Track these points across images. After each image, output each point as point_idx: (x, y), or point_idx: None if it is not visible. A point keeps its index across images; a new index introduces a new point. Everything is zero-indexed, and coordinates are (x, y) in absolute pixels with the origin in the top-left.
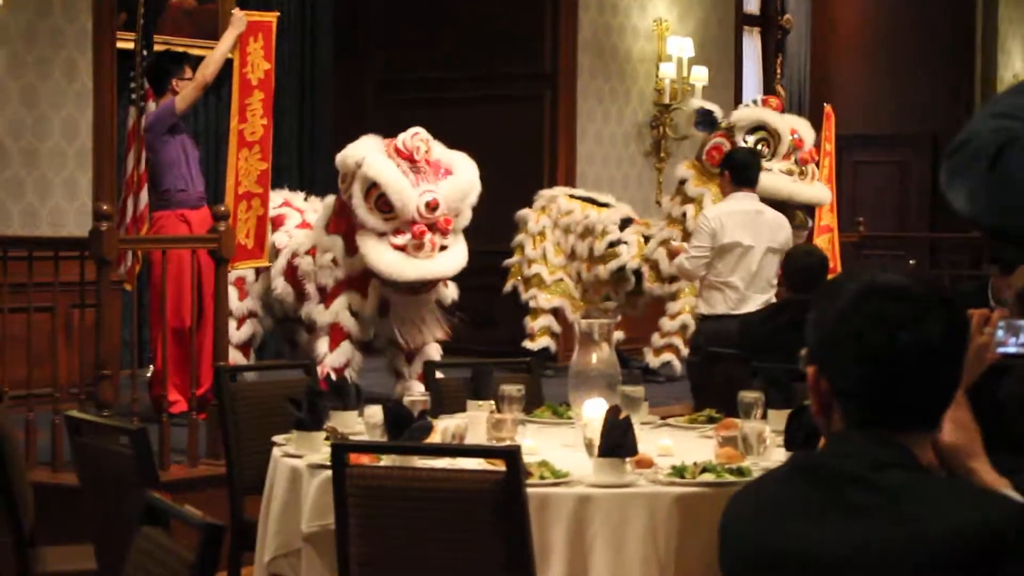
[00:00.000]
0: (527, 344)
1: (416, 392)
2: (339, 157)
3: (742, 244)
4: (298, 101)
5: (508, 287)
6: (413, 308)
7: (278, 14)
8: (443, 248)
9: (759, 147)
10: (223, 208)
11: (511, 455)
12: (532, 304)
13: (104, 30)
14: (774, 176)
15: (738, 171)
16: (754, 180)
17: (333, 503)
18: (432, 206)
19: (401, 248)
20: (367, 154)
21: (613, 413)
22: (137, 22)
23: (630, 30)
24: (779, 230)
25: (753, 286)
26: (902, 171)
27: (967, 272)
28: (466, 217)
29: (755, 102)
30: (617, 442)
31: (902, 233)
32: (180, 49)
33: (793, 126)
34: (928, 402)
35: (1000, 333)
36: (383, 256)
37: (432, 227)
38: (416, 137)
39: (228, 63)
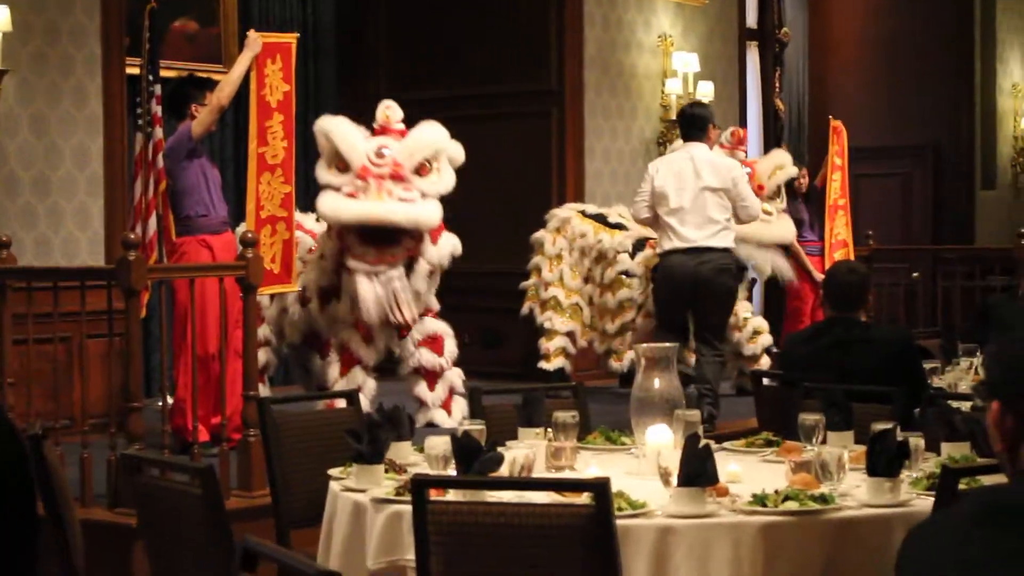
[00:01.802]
0: (542, 365)
1: (471, 421)
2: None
3: (673, 185)
4: (302, 123)
5: (525, 309)
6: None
7: (297, 35)
8: (403, 201)
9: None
10: (251, 234)
11: (602, 488)
12: (548, 326)
13: (113, 56)
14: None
15: (684, 127)
16: (699, 135)
17: (414, 540)
18: (380, 152)
19: (352, 195)
20: (327, 118)
21: (692, 441)
22: (143, 47)
23: (635, 46)
24: (715, 171)
25: (688, 222)
26: (904, 183)
27: (979, 283)
28: (443, 181)
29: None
30: (697, 471)
31: (909, 246)
32: (183, 73)
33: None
34: None
35: None
36: (328, 200)
37: (383, 175)
38: (381, 105)
39: (244, 86)
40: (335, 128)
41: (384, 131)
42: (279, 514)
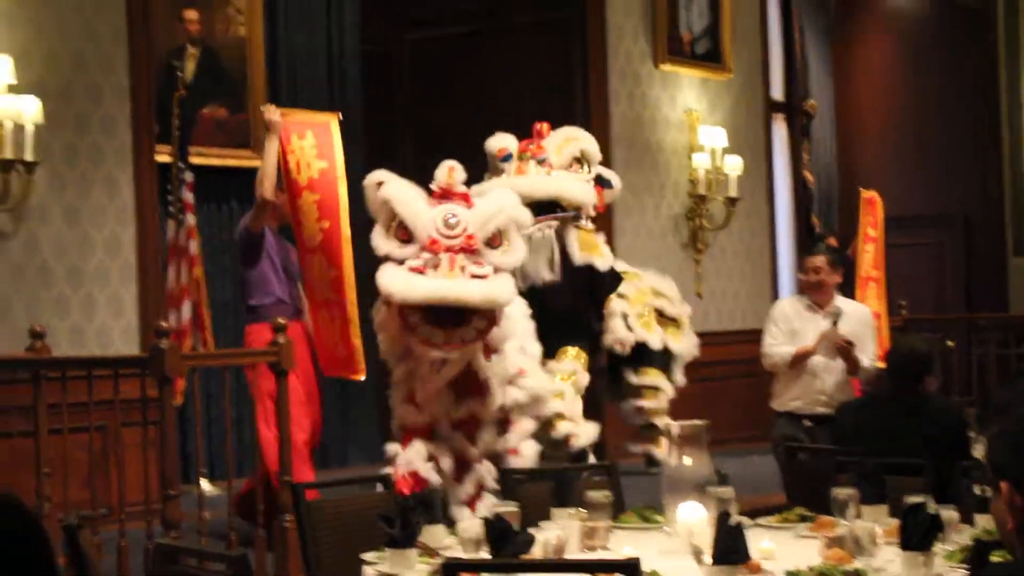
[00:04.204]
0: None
1: (504, 503)
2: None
3: None
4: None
5: None
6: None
7: (338, 115)
8: (476, 278)
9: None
10: (281, 320)
11: (633, 568)
12: None
13: (143, 145)
14: None
15: None
16: None
17: None
18: (450, 223)
19: (419, 271)
20: (387, 180)
21: (724, 518)
22: (172, 135)
23: (661, 122)
24: None
25: None
26: (935, 252)
27: (1014, 351)
28: (514, 253)
29: None
30: (730, 548)
31: (942, 315)
32: (214, 161)
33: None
34: None
35: None
36: (394, 276)
37: (454, 248)
38: (444, 165)
39: None
40: (396, 194)
41: (445, 194)
42: None
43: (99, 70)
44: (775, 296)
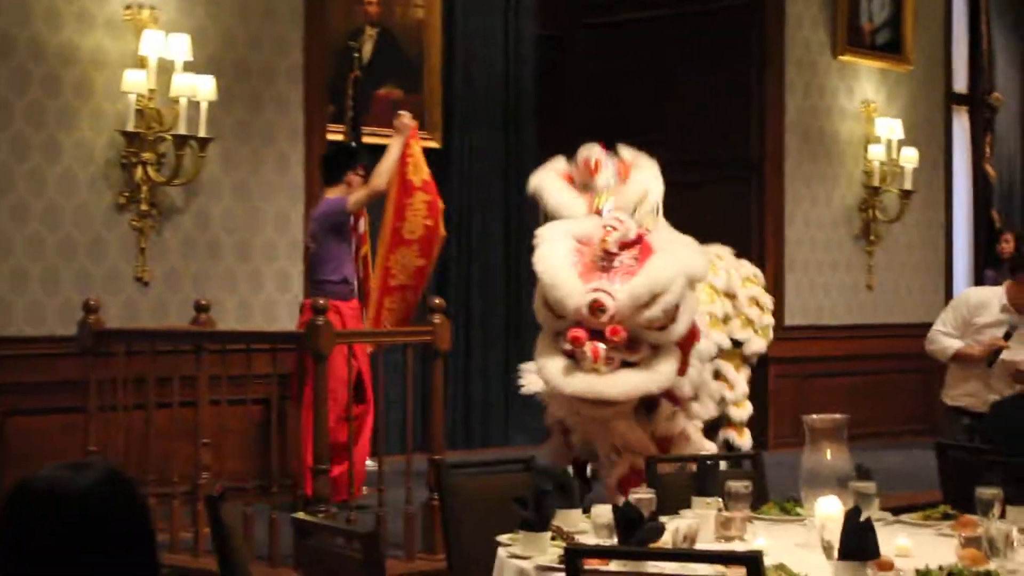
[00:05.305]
0: None
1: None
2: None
3: None
4: (502, 194)
5: None
6: (597, 433)
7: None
8: (628, 365)
9: None
10: (437, 300)
11: (754, 562)
12: None
13: (315, 124)
14: None
15: None
16: None
17: None
18: (595, 307)
19: (569, 355)
20: (545, 235)
21: (853, 513)
22: (346, 115)
23: (837, 112)
24: None
25: None
26: None
27: None
28: (679, 324)
29: None
30: (858, 544)
31: None
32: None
33: None
34: None
35: None
36: (550, 360)
37: (598, 335)
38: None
39: None
40: (547, 263)
41: (618, 249)
42: None
43: (274, 50)
44: (948, 291)
